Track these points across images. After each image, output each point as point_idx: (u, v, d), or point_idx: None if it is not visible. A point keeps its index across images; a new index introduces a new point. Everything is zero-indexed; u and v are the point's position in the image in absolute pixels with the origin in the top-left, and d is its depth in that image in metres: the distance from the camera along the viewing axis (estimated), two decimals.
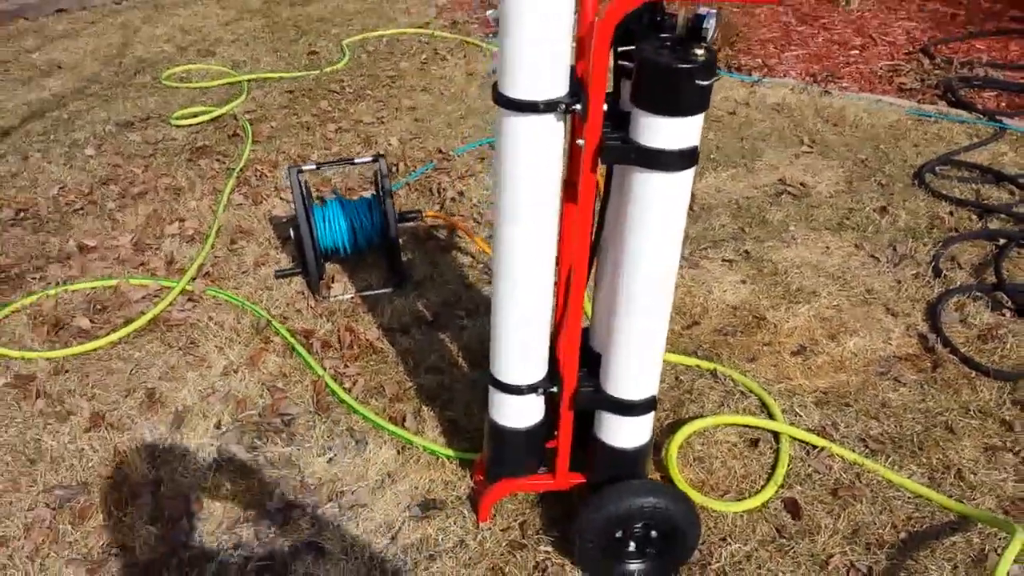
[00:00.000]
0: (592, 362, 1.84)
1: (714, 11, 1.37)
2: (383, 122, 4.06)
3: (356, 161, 2.88)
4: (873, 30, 5.08)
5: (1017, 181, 3.44)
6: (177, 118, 4.09)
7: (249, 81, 4.52)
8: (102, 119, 4.13)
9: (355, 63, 4.82)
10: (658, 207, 1.50)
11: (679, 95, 1.39)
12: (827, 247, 3.06)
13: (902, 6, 5.51)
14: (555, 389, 1.82)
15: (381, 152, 3.72)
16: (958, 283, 2.85)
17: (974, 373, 2.48)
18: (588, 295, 2.51)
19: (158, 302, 2.77)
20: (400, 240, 3.02)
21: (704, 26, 1.37)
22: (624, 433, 1.82)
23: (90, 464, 2.17)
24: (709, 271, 2.93)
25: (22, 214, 3.31)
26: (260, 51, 5.01)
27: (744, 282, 2.87)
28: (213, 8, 5.89)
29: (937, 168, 3.57)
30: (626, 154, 1.48)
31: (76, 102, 4.34)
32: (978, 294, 2.81)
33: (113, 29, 5.42)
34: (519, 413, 1.86)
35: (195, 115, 4.12)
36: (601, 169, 1.57)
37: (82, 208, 3.36)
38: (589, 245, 1.63)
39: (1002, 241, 3.07)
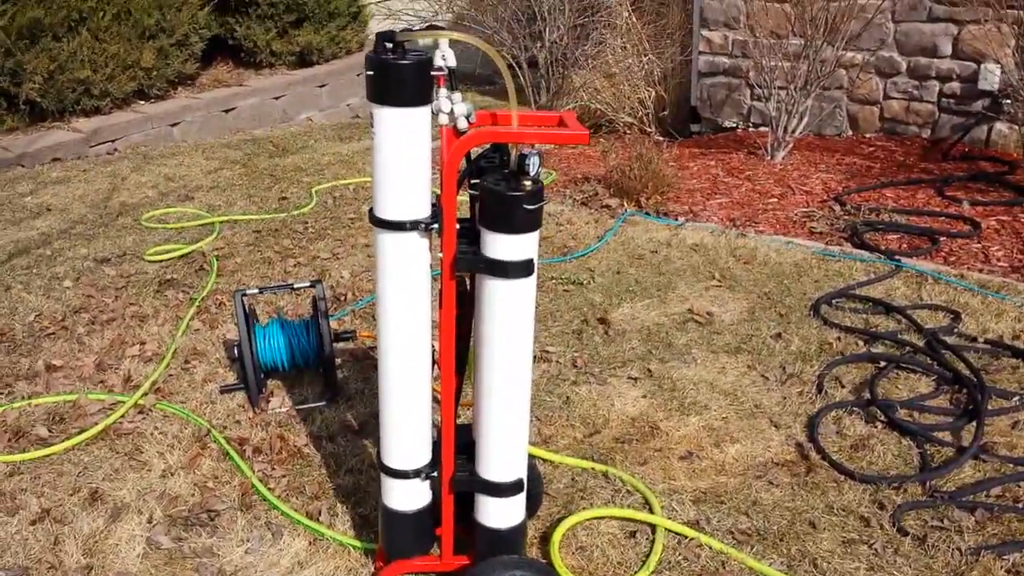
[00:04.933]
0: (471, 449, 2.13)
1: (535, 151, 1.76)
2: (338, 258, 4.46)
3: (295, 286, 3.24)
4: (793, 181, 5.61)
5: (904, 311, 3.81)
6: (151, 254, 4.49)
7: (221, 222, 4.95)
8: (82, 255, 4.52)
9: (321, 207, 5.28)
10: (503, 309, 1.85)
11: (513, 216, 1.78)
12: (723, 367, 3.38)
13: (823, 159, 6.08)
14: (435, 473, 2.10)
15: (333, 284, 4.10)
16: (838, 399, 3.16)
17: (843, 477, 2.76)
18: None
19: (111, 414, 3.05)
20: (339, 359, 3.34)
21: (527, 163, 1.76)
22: (496, 513, 2.09)
23: (32, 552, 2.39)
24: (615, 387, 3.24)
25: None
26: (235, 196, 5.48)
27: (644, 397, 3.18)
28: (198, 159, 6.42)
29: (833, 300, 3.95)
30: (476, 264, 1.84)
31: (60, 241, 4.74)
32: (855, 408, 3.12)
33: (103, 177, 5.92)
34: (406, 497, 2.13)
35: (167, 251, 4.51)
36: None
37: (54, 333, 3.68)
38: (454, 343, 1.96)
39: (882, 363, 3.41)
